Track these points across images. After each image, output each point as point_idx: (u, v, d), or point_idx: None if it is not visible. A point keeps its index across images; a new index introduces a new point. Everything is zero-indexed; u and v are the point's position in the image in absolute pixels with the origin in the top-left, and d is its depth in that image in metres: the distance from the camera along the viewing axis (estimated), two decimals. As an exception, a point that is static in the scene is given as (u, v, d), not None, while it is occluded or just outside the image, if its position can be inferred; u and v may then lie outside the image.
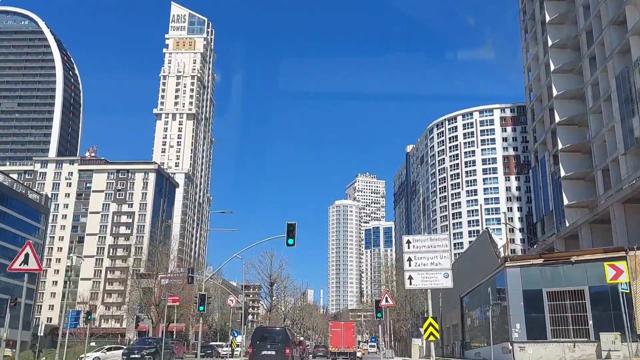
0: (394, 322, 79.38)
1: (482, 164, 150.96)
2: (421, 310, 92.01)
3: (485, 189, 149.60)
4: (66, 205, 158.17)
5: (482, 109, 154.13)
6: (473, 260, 45.00)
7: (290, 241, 31.86)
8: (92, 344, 63.53)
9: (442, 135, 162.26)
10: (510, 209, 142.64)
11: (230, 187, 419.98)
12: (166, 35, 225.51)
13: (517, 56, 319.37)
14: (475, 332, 45.62)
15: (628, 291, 26.92)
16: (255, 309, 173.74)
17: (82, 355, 43.44)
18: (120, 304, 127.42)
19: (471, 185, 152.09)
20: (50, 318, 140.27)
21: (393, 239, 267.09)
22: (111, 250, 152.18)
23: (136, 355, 36.78)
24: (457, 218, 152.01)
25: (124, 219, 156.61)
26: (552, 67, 76.38)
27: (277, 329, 33.52)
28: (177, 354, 45.69)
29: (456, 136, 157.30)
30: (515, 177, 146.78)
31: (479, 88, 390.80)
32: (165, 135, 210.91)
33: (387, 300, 31.75)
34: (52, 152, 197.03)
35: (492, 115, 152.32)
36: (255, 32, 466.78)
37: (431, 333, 20.38)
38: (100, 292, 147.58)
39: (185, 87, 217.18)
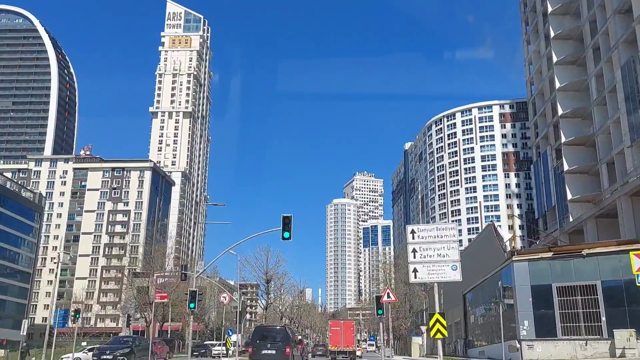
0: (393, 320, 77.85)
1: (481, 161, 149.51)
2: (420, 308, 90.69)
3: (484, 186, 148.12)
4: (61, 204, 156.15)
5: (481, 105, 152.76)
6: (477, 256, 43.32)
7: (286, 234, 30.27)
8: (83, 343, 61.66)
9: (441, 132, 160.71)
10: (509, 206, 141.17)
11: (228, 186, 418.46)
12: (162, 33, 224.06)
13: (516, 55, 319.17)
14: (479, 330, 44.05)
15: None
16: (254, 308, 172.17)
17: (63, 356, 41.56)
18: (116, 303, 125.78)
19: (470, 182, 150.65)
20: (46, 317, 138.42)
21: (391, 238, 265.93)
22: (107, 249, 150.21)
23: (108, 356, 33.61)
24: (456, 215, 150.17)
25: (119, 217, 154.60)
26: (555, 59, 74.73)
27: (278, 327, 32.77)
28: (160, 354, 42.87)
29: (455, 133, 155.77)
30: (515, 174, 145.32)
31: (478, 88, 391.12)
32: (162, 133, 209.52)
33: (388, 296, 29.96)
34: (48, 151, 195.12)
35: (491, 111, 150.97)
36: (252, 31, 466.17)
37: (438, 330, 18.67)
38: (95, 292, 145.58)
39: (181, 85, 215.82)
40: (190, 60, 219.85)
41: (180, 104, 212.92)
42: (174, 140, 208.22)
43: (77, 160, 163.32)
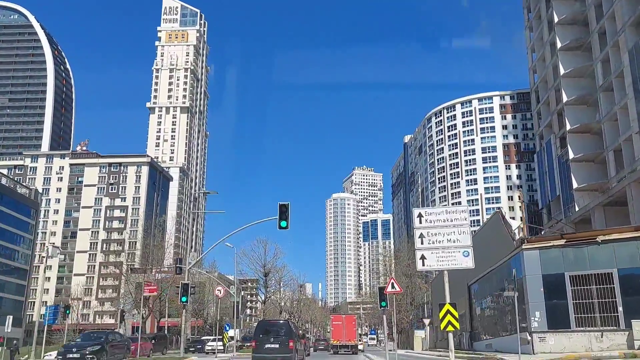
0: (394, 313, 76.52)
1: (482, 153, 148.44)
2: (421, 301, 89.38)
3: (485, 178, 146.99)
4: (58, 200, 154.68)
5: (481, 97, 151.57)
6: (482, 245, 41.58)
7: (283, 223, 28.85)
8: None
9: (441, 124, 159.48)
10: (511, 198, 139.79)
11: (226, 181, 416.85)
12: (158, 28, 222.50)
13: (513, 43, 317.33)
14: (485, 322, 42.48)
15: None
16: (254, 303, 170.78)
17: (45, 354, 39.88)
18: (115, 299, 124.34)
19: (471, 175, 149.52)
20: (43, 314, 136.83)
21: (391, 231, 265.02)
22: (104, 245, 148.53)
23: (74, 355, 29.89)
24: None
25: (116, 213, 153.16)
26: (559, 45, 72.86)
27: (281, 322, 32.67)
28: (144, 351, 40.37)
29: (455, 125, 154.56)
30: (516, 165, 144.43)
31: (476, 77, 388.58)
32: (159, 129, 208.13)
33: (393, 287, 28.30)
34: (45, 148, 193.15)
35: (492, 102, 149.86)
36: (248, 24, 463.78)
37: (449, 322, 16.99)
38: (94, 288, 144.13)
39: (178, 80, 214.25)
40: (187, 55, 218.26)
41: (177, 99, 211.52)
42: (172, 136, 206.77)
43: (73, 156, 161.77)
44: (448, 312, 17.26)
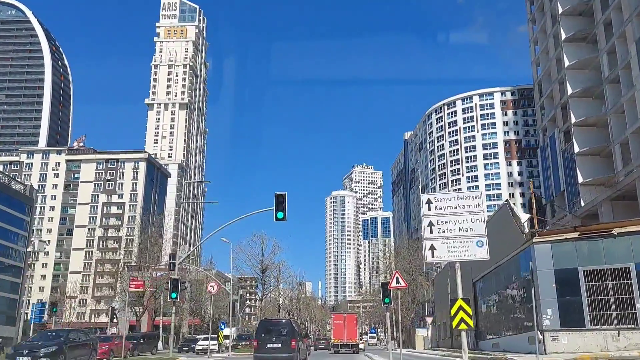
0: (396, 312, 74.97)
1: (483, 149, 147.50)
2: (423, 299, 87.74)
3: (486, 175, 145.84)
4: (54, 197, 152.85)
5: (482, 93, 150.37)
6: (488, 239, 40.01)
7: (280, 215, 27.19)
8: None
9: (441, 121, 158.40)
10: (512, 195, 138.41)
11: (224, 177, 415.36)
12: (157, 24, 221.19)
13: (512, 37, 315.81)
14: (491, 321, 40.81)
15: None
16: (253, 302, 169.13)
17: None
18: (112, 298, 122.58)
19: (472, 171, 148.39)
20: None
21: (391, 229, 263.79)
22: (101, 242, 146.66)
23: (25, 357, 25.72)
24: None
25: (113, 210, 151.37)
26: (563, 36, 71.19)
27: (283, 321, 31.96)
28: (120, 351, 36.94)
29: (456, 121, 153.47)
30: (517, 162, 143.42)
31: (474, 71, 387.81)
32: (158, 125, 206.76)
33: (397, 281, 26.52)
34: (42, 144, 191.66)
35: (492, 98, 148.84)
36: (246, 18, 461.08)
37: (462, 320, 15.26)
38: (90, 286, 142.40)
39: (177, 76, 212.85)
40: (186, 51, 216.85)
41: (176, 96, 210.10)
42: (170, 133, 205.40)
43: (69, 152, 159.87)
44: (461, 308, 15.59)
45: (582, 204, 64.84)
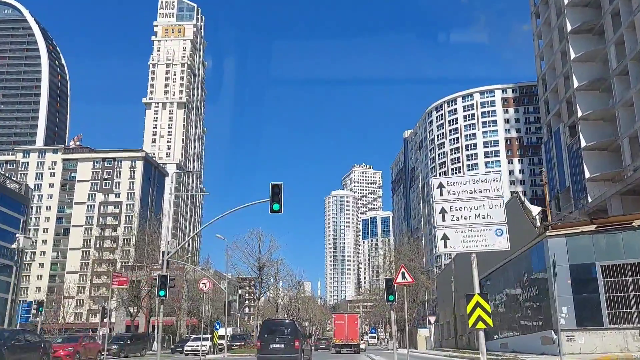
0: (397, 311, 73.35)
1: (484, 147, 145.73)
2: (424, 298, 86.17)
3: (487, 173, 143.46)
4: (50, 196, 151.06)
5: (483, 90, 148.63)
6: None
7: (276, 206, 25.46)
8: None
9: (442, 119, 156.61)
10: (512, 193, 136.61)
11: (223, 177, 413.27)
12: (154, 22, 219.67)
13: (512, 35, 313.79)
14: (500, 320, 38.94)
15: None
16: (252, 301, 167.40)
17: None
18: (106, 297, 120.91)
19: (473, 169, 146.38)
20: (34, 313, 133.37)
21: (391, 228, 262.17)
22: (98, 242, 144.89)
23: None
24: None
25: (110, 209, 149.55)
26: (569, 28, 69.47)
27: (286, 321, 32.21)
28: (88, 354, 33.63)
29: (456, 119, 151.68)
30: (519, 160, 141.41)
31: (474, 70, 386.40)
32: (156, 125, 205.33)
33: (403, 277, 24.61)
34: (39, 143, 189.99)
35: (493, 96, 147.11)
36: (245, 17, 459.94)
37: (479, 318, 13.40)
38: (87, 286, 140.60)
39: (175, 75, 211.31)
40: (184, 50, 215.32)
41: (174, 95, 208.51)
42: (168, 132, 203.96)
43: (66, 151, 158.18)
44: (478, 305, 13.77)
45: (589, 200, 63.12)
